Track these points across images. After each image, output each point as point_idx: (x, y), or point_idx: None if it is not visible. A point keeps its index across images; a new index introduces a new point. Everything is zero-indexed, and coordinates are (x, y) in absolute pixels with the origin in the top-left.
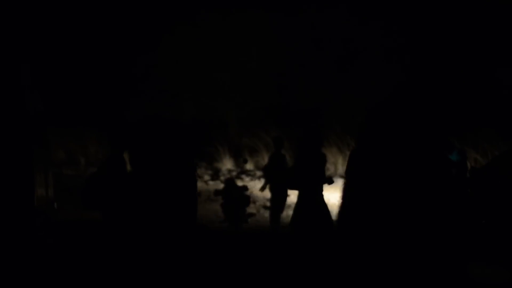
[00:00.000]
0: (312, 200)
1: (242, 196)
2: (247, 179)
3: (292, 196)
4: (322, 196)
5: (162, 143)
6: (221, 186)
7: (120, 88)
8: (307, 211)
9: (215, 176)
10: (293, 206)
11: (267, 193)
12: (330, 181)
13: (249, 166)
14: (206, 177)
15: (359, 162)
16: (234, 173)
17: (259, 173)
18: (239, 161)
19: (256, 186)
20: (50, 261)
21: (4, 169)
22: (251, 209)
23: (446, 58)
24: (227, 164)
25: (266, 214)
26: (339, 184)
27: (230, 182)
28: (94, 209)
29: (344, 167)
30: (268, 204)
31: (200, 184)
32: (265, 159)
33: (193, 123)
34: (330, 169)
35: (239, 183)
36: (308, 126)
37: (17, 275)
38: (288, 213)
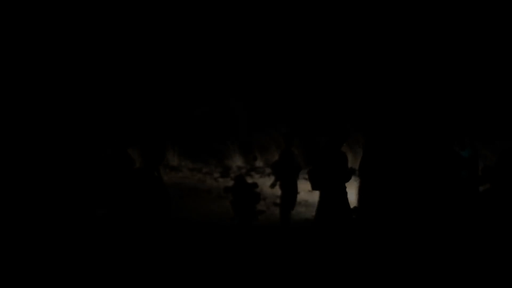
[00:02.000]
0: (335, 199)
1: (252, 193)
2: (257, 176)
3: (302, 193)
4: (345, 194)
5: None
6: (231, 183)
7: (132, 84)
8: (330, 211)
9: (225, 173)
10: (303, 203)
11: (277, 190)
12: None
13: (259, 163)
14: (216, 174)
15: (371, 160)
16: (244, 170)
17: (269, 170)
18: (249, 158)
19: (266, 183)
20: (66, 255)
21: (25, 168)
22: (261, 206)
23: (457, 55)
24: (237, 161)
25: (276, 211)
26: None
27: (240, 179)
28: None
29: (353, 164)
30: (278, 201)
31: (210, 181)
32: (275, 156)
33: (203, 120)
34: None
35: (249, 180)
36: (337, 125)
37: (32, 271)
38: (298, 210)
